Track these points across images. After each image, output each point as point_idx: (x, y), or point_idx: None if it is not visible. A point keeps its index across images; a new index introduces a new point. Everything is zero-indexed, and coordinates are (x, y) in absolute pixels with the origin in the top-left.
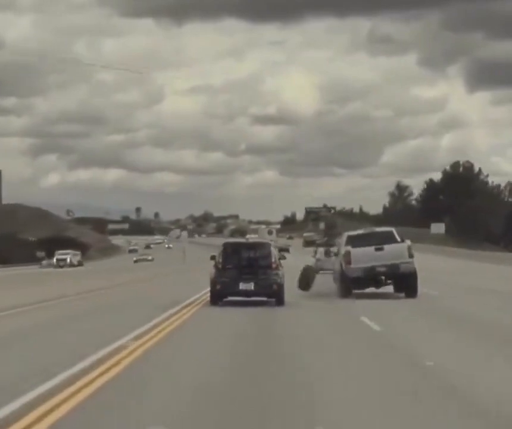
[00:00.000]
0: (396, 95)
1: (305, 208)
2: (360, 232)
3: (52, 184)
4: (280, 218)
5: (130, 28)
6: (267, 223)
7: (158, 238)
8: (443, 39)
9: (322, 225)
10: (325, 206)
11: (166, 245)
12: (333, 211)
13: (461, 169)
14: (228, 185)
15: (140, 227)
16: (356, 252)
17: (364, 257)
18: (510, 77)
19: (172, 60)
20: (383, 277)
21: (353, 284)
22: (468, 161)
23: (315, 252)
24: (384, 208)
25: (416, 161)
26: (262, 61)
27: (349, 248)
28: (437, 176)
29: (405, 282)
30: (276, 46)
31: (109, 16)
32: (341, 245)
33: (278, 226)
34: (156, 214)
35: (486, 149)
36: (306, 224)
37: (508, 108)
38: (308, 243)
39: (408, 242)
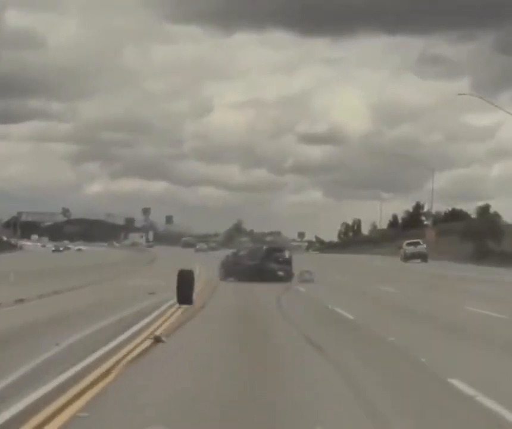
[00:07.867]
0: (447, 119)
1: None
2: None
3: (94, 192)
4: (325, 237)
5: (177, 35)
6: (310, 242)
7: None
8: (496, 62)
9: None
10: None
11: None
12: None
13: None
14: (271, 202)
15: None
16: None
17: None
18: None
19: (221, 71)
20: None
21: None
22: None
23: None
24: None
25: (464, 188)
26: (311, 78)
27: None
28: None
29: None
30: (326, 62)
31: (155, 21)
32: None
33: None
34: (169, 219)
35: None
36: (396, 232)
37: None
38: None
39: None
